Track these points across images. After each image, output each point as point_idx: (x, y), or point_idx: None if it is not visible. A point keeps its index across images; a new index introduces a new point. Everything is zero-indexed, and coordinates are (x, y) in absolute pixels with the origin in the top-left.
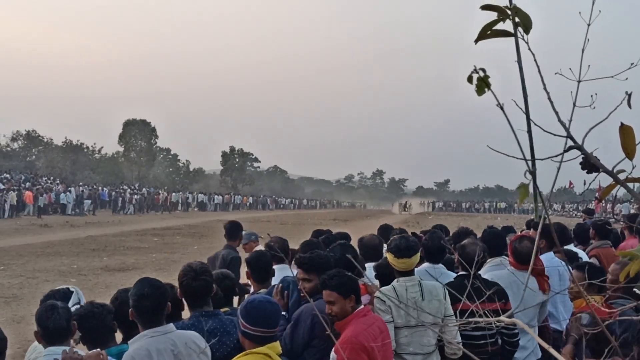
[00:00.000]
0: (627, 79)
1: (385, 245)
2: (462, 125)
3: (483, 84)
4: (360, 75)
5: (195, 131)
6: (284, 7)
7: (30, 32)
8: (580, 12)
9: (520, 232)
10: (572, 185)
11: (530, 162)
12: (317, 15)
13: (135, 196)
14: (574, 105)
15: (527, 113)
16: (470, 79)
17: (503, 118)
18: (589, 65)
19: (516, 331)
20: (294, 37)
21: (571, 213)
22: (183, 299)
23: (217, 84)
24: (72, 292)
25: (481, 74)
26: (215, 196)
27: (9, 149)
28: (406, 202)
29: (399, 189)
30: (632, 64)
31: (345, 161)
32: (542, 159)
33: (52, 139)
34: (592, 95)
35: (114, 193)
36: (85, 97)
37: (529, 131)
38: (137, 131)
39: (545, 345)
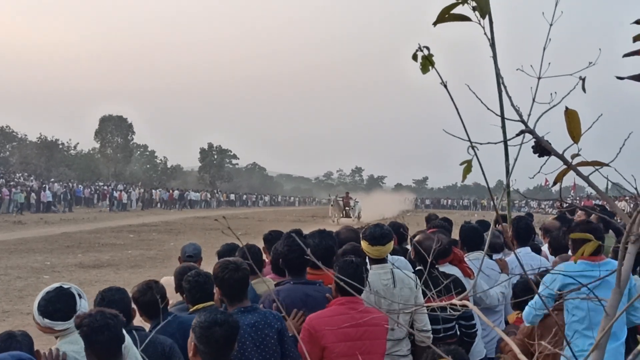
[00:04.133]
0: (585, 77)
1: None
2: (439, 123)
3: (427, 62)
4: (340, 73)
5: (173, 127)
6: (263, 3)
7: (3, 24)
8: (543, 13)
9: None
10: (547, 183)
11: (473, 144)
12: (296, 13)
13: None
14: (534, 100)
15: (500, 94)
16: (415, 57)
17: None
18: (549, 63)
19: (473, 322)
20: (273, 34)
21: (547, 210)
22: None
23: (195, 80)
24: (74, 294)
25: (425, 52)
26: (192, 193)
27: None
28: (344, 199)
29: (377, 186)
30: (590, 62)
31: (324, 158)
32: (495, 143)
33: (26, 135)
34: (551, 94)
35: (119, 191)
36: (61, 92)
37: (502, 115)
38: (114, 127)
39: (497, 330)
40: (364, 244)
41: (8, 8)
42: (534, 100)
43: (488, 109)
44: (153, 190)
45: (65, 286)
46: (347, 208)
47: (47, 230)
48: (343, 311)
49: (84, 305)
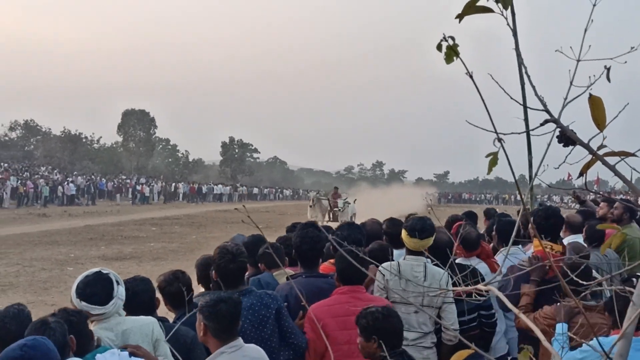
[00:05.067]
0: (625, 62)
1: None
2: (461, 117)
3: (452, 53)
4: (362, 67)
5: (194, 121)
6: None
7: (29, 20)
8: None
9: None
10: (570, 177)
11: (499, 135)
12: (315, 7)
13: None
14: (571, 84)
15: (522, 85)
16: (439, 47)
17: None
18: (589, 45)
19: (493, 311)
20: (294, 27)
21: (569, 205)
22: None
23: (217, 74)
24: (112, 280)
25: (450, 42)
26: (215, 186)
27: (7, 138)
28: (332, 198)
29: (398, 180)
30: (632, 47)
31: (345, 152)
32: (518, 133)
33: (50, 129)
34: (590, 77)
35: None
36: (84, 86)
37: (524, 104)
38: (136, 121)
39: (515, 310)
40: (403, 233)
41: (32, 4)
42: (571, 84)
43: (512, 98)
44: (176, 184)
45: (104, 271)
46: (335, 209)
47: (70, 222)
48: (344, 300)
49: (121, 292)
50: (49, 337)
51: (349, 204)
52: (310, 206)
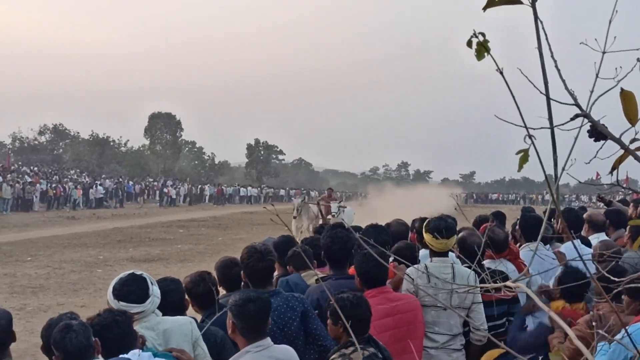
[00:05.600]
0: None
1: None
2: (487, 116)
3: (482, 49)
4: (385, 67)
5: (220, 124)
6: None
7: (57, 25)
8: None
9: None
10: (599, 177)
11: (529, 130)
12: (337, 7)
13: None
14: (597, 76)
15: (545, 80)
16: (469, 44)
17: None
18: (614, 37)
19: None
20: (317, 27)
21: (598, 205)
22: (246, 280)
23: (242, 76)
24: (146, 279)
25: (480, 38)
26: (242, 188)
27: (36, 142)
28: (323, 203)
29: (424, 181)
30: None
31: (370, 154)
32: (548, 127)
33: (78, 133)
34: (616, 68)
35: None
36: (112, 90)
37: (548, 99)
38: (163, 124)
39: (545, 308)
40: (427, 237)
41: (60, 8)
42: (597, 76)
43: (541, 92)
44: (202, 186)
45: (138, 272)
46: (329, 217)
47: (99, 225)
48: (378, 302)
49: (156, 291)
50: (71, 340)
51: (344, 208)
52: (295, 217)
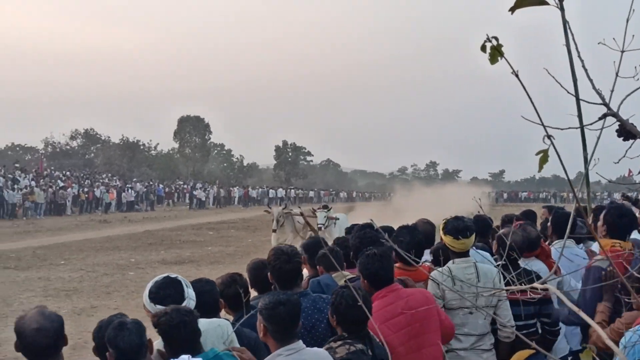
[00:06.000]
0: None
1: None
2: (517, 114)
3: (496, 53)
4: (412, 66)
5: (248, 126)
6: None
7: (86, 31)
8: None
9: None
10: (631, 174)
11: (548, 129)
12: (367, 4)
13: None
14: (617, 75)
15: (574, 79)
16: (483, 48)
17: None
18: (632, 36)
19: (558, 326)
20: (344, 27)
21: (625, 203)
22: (274, 282)
23: (269, 79)
24: (181, 282)
25: (494, 42)
26: (270, 190)
27: (68, 147)
28: (302, 213)
29: (453, 180)
30: None
31: (399, 153)
32: (575, 128)
33: (109, 137)
34: (635, 67)
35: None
36: (141, 94)
37: (577, 99)
38: (191, 127)
39: (575, 309)
40: (447, 239)
41: (91, 15)
42: (617, 75)
43: (568, 92)
44: (230, 188)
45: (172, 275)
46: (320, 225)
47: (130, 228)
48: (390, 301)
49: (191, 294)
50: (123, 338)
51: (336, 219)
52: (274, 230)
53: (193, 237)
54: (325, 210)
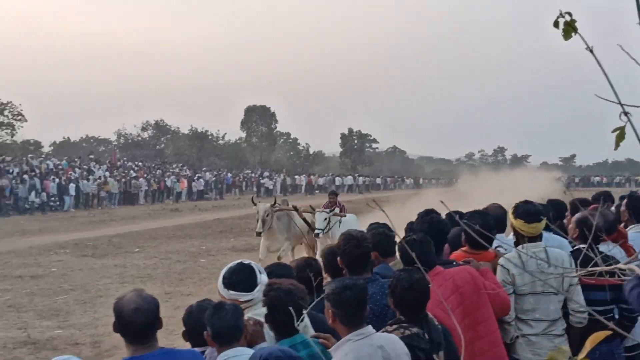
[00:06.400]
0: None
1: None
2: (589, 95)
3: (570, 29)
4: (479, 52)
5: (313, 114)
6: None
7: (156, 26)
8: None
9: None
10: None
11: (624, 107)
12: None
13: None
14: None
15: None
16: (556, 24)
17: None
18: None
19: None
20: (409, 11)
21: None
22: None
23: (333, 66)
24: (254, 268)
25: (567, 18)
26: (337, 178)
27: (139, 138)
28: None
29: (522, 165)
30: None
31: (465, 139)
32: None
33: (178, 128)
34: None
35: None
36: (209, 85)
37: None
38: (258, 117)
39: None
40: (517, 223)
41: (159, 8)
42: None
43: None
44: (296, 176)
45: (245, 262)
46: (318, 230)
47: (201, 216)
48: (437, 284)
49: (264, 279)
50: (220, 318)
51: (342, 217)
52: (258, 233)
53: None
54: (328, 210)
